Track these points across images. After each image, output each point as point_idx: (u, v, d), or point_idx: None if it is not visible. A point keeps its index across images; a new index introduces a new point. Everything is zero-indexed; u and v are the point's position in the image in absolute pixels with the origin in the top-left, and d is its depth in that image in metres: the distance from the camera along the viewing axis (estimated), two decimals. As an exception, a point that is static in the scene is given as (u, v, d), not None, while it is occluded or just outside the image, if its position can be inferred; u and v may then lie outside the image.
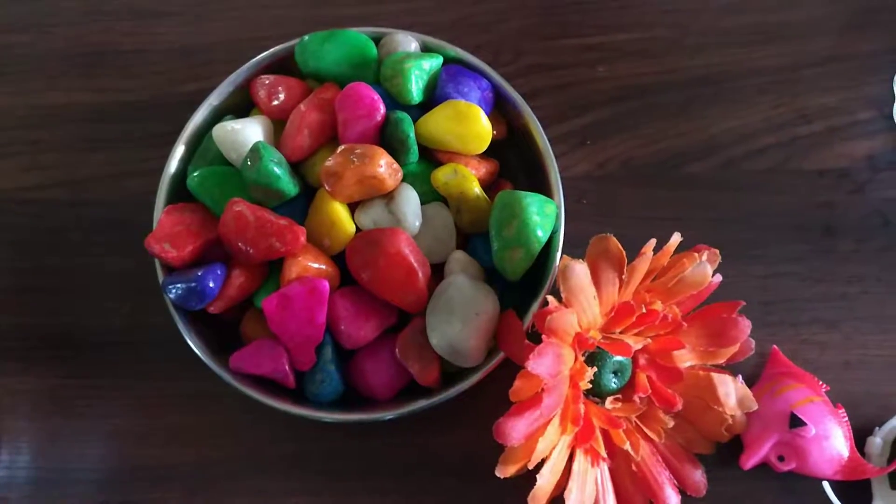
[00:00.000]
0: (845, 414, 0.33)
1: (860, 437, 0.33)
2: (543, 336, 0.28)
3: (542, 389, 0.28)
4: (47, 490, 0.34)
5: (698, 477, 0.33)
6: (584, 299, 0.29)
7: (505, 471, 0.29)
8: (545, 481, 0.29)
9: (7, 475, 0.34)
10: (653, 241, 0.30)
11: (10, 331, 0.36)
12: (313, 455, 0.34)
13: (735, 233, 0.37)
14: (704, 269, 0.31)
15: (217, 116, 0.36)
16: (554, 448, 0.30)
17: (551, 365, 0.28)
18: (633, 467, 0.32)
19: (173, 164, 0.35)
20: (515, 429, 0.28)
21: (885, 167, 0.38)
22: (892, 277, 0.36)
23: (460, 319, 0.30)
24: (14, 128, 0.41)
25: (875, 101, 0.39)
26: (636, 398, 0.32)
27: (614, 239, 0.29)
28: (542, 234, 0.31)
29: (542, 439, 0.29)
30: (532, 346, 0.28)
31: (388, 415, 0.31)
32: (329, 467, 0.34)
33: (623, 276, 0.30)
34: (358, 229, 0.32)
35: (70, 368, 0.36)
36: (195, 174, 0.34)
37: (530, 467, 0.29)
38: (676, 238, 0.30)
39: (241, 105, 0.36)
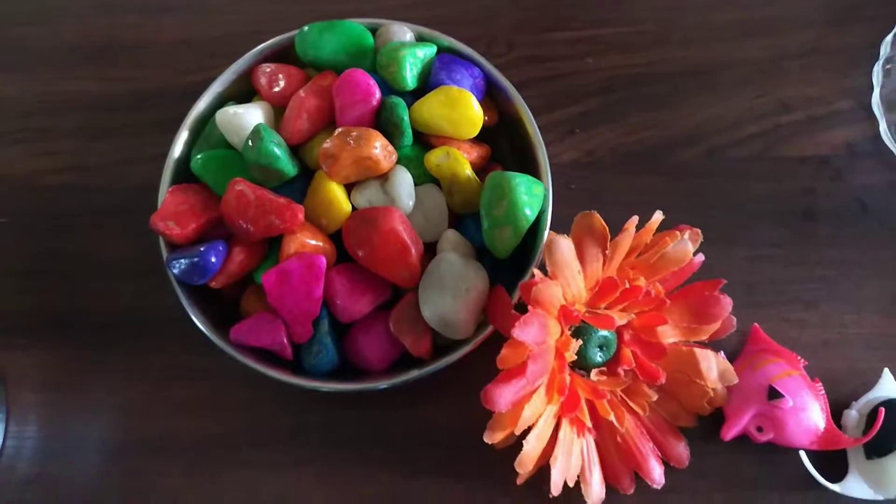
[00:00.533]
0: (822, 388, 0.34)
1: (837, 411, 0.34)
2: (529, 307, 0.30)
3: (528, 357, 0.29)
4: (54, 460, 0.35)
5: (681, 449, 0.34)
6: (568, 273, 0.30)
7: (492, 437, 0.30)
8: (531, 447, 0.30)
9: (16, 445, 0.35)
10: (635, 219, 0.31)
11: (20, 308, 0.38)
12: (311, 427, 0.35)
13: (719, 217, 0.38)
14: (685, 245, 0.32)
15: (220, 103, 0.37)
16: (540, 416, 0.31)
17: (537, 333, 0.29)
18: (619, 439, 0.34)
19: (178, 148, 0.36)
20: (502, 395, 0.29)
21: (864, 155, 0.39)
22: (869, 260, 0.37)
23: (451, 294, 0.32)
24: (25, 116, 0.42)
25: (854, 92, 0.40)
26: (620, 371, 0.33)
27: (598, 216, 0.31)
28: (529, 213, 0.33)
29: (528, 406, 0.30)
30: (519, 316, 0.29)
31: (383, 384, 0.32)
32: (326, 439, 0.35)
33: (606, 252, 0.31)
34: (354, 209, 0.34)
35: (76, 345, 0.37)
36: (198, 157, 0.35)
37: (517, 433, 0.30)
38: (658, 216, 0.32)
39: (243, 93, 0.38)
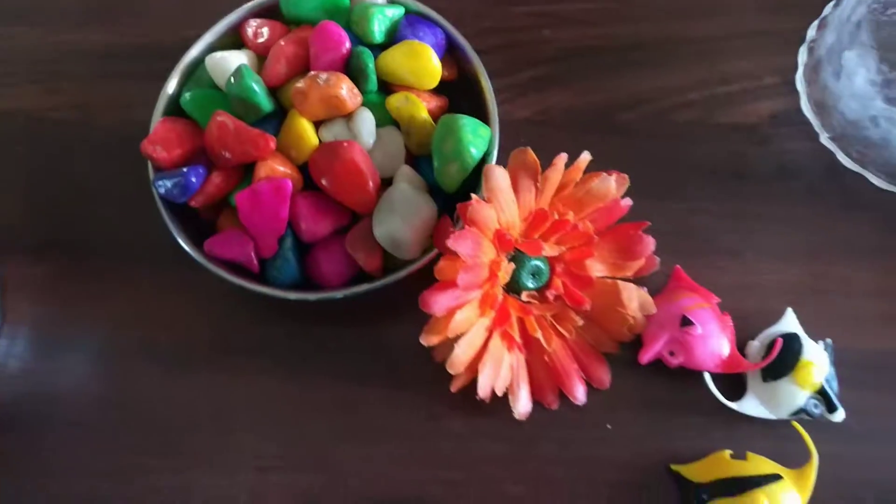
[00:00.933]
0: (730, 321, 0.38)
1: (743, 344, 0.38)
2: (465, 225, 0.34)
3: (461, 267, 0.33)
4: (44, 359, 0.40)
5: (603, 372, 0.38)
6: (502, 198, 0.34)
7: (428, 339, 0.34)
8: (461, 351, 0.34)
9: (8, 343, 0.40)
10: (564, 155, 0.35)
11: (23, 227, 0.42)
12: (275, 338, 0.40)
13: (657, 174, 0.42)
14: (608, 183, 0.36)
15: (211, 52, 0.42)
16: (472, 326, 0.35)
17: (470, 248, 0.33)
18: (546, 359, 0.38)
19: (171, 87, 0.41)
20: (437, 301, 0.33)
21: (787, 124, 0.43)
22: (787, 216, 0.41)
23: (401, 217, 0.36)
24: (40, 61, 0.47)
25: (782, 70, 0.44)
26: (549, 294, 0.37)
27: (531, 151, 0.35)
28: (475, 152, 0.37)
29: (460, 312, 0.34)
30: (455, 230, 0.33)
31: (338, 294, 0.36)
32: (289, 348, 0.39)
33: (538, 185, 0.35)
34: (321, 143, 0.38)
35: (71, 260, 0.42)
36: (187, 94, 0.40)
37: (450, 336, 0.34)
38: (586, 156, 0.36)
39: (232, 45, 0.42)
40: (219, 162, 0.38)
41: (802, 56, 0.44)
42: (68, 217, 0.42)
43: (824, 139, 0.42)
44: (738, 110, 0.44)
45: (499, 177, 0.34)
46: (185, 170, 0.37)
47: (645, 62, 0.45)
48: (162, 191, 0.37)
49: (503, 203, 0.35)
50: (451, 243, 0.32)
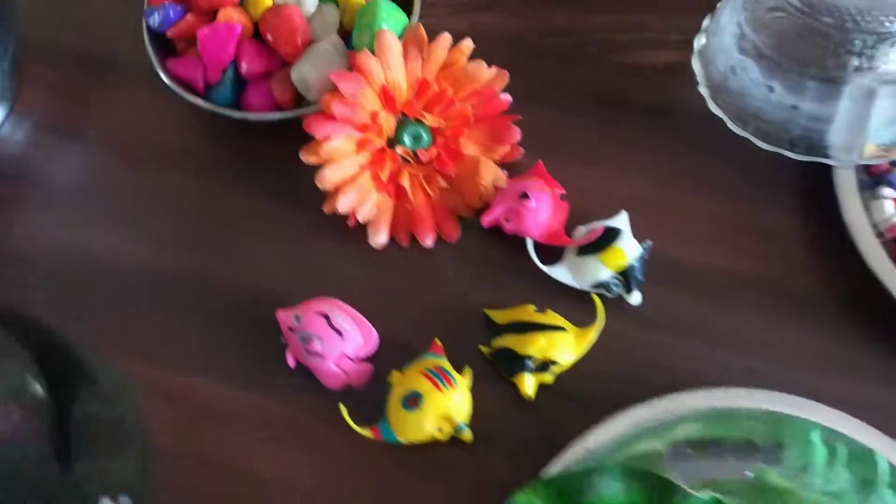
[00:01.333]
0: (567, 207, 0.44)
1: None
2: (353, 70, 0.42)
3: (337, 99, 0.41)
4: (41, 137, 0.51)
5: (454, 229, 0.45)
6: (390, 58, 0.43)
7: (306, 157, 0.43)
8: (330, 172, 0.43)
9: (17, 121, 0.51)
10: (447, 35, 0.43)
11: (47, 39, 0.53)
12: (208, 152, 0.49)
13: (552, 91, 0.49)
14: (481, 66, 0.44)
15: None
16: (346, 157, 0.43)
17: (351, 87, 0.42)
18: (409, 207, 0.45)
19: (180, -48, 0.51)
20: (319, 127, 0.42)
21: (676, 73, 0.49)
22: (653, 145, 0.47)
23: (313, 64, 0.45)
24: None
25: (686, 31, 0.50)
26: (422, 156, 0.45)
27: (422, 26, 0.43)
28: (385, 27, 0.45)
29: (335, 140, 0.42)
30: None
31: (267, 117, 0.46)
32: (217, 160, 0.49)
33: (424, 55, 0.43)
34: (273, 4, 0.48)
35: (78, 70, 0.52)
36: (190, -42, 0.50)
37: (322, 157, 0.42)
38: (468, 42, 0.44)
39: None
40: (195, 8, 0.48)
41: (707, 20, 0.50)
42: (83, 37, 0.54)
43: (702, 87, 0.48)
44: (641, 55, 0.51)
45: (389, 38, 0.42)
46: (166, 4, 0.47)
47: (575, 3, 0.53)
48: (149, 20, 0.48)
49: (390, 62, 0.43)
50: (333, 77, 0.41)
